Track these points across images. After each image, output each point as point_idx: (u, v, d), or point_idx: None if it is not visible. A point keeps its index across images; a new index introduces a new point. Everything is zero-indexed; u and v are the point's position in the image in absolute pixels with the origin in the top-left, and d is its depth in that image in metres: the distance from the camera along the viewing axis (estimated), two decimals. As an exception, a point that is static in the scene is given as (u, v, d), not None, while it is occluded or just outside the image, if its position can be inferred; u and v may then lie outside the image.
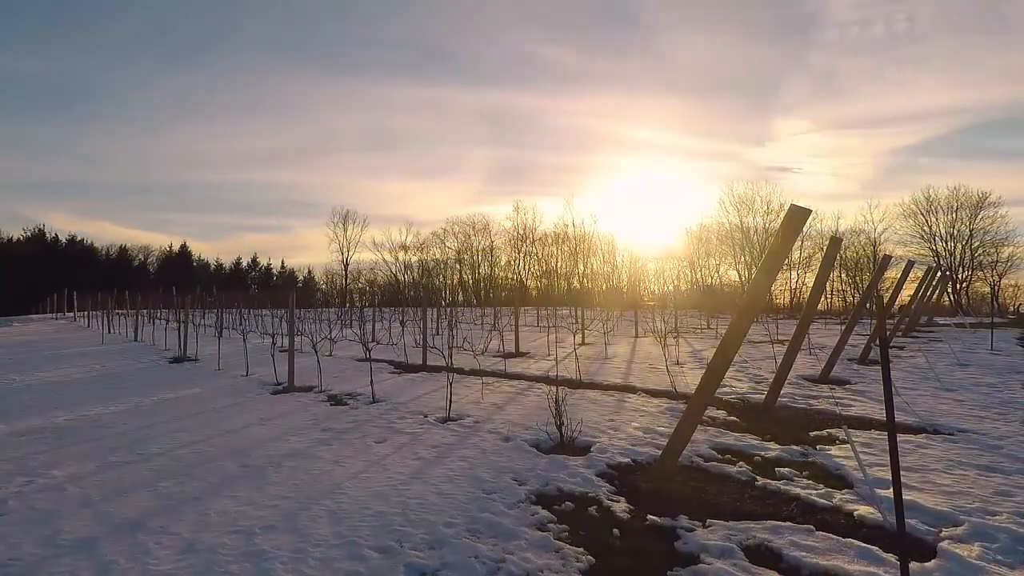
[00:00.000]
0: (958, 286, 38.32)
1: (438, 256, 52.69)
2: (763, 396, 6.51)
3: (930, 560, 2.79)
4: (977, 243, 38.67)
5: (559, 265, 48.68)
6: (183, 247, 66.60)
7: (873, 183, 58.09)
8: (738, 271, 41.33)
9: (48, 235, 58.60)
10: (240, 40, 71.42)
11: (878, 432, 5.08)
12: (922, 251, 39.00)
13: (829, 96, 60.93)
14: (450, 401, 6.03)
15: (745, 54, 60.28)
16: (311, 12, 71.45)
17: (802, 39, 60.07)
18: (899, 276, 11.37)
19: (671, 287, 26.98)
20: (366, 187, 76.81)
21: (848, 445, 4.44)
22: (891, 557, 2.80)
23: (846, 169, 61.00)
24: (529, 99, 67.30)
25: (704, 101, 64.16)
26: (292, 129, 75.81)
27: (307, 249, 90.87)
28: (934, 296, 17.48)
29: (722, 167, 64.64)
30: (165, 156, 79.22)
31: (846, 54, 58.12)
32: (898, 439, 2.59)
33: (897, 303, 13.51)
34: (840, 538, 3.02)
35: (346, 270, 54.56)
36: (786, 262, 30.26)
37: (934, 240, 39.47)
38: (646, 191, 63.64)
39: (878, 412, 5.88)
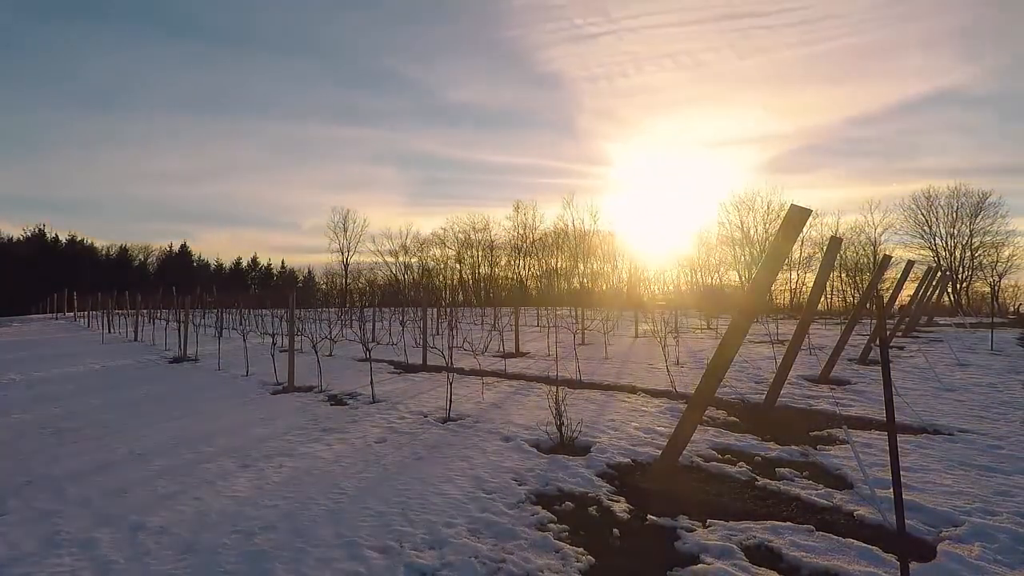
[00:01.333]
0: (958, 286, 38.33)
1: (438, 255, 52.74)
2: (763, 396, 6.51)
3: (930, 560, 2.79)
4: (977, 243, 38.73)
5: (559, 265, 48.71)
6: (183, 247, 66.66)
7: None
8: (738, 271, 41.35)
9: (48, 235, 58.67)
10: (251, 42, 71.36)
11: (878, 432, 5.08)
12: (922, 251, 39.07)
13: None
14: (450, 401, 6.03)
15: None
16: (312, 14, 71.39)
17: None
18: (899, 276, 11.38)
19: (671, 287, 26.98)
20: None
21: (848, 445, 4.44)
22: (891, 557, 2.80)
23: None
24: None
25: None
26: (292, 129, 75.83)
27: (307, 249, 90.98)
28: (934, 296, 17.47)
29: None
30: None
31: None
32: (898, 439, 2.59)
33: (897, 303, 13.51)
34: (840, 538, 3.02)
35: (346, 270, 54.60)
36: (786, 262, 30.27)
37: (934, 240, 39.53)
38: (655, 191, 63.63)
39: (878, 412, 5.87)
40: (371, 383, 7.18)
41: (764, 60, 60.28)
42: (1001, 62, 53.67)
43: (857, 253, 39.63)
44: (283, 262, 70.54)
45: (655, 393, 7.09)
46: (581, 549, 2.99)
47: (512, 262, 50.94)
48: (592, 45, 63.87)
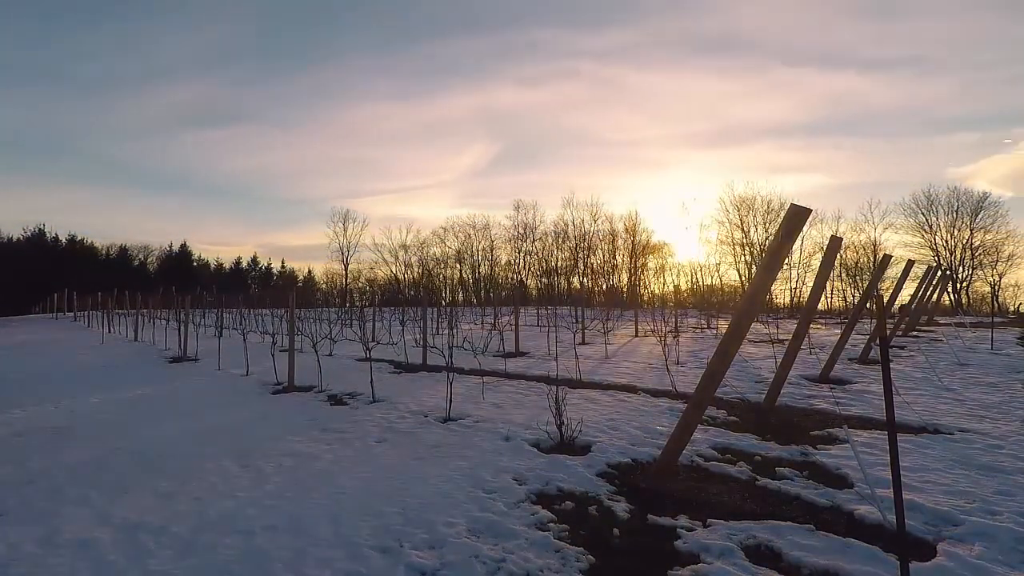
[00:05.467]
0: (958, 286, 38.33)
1: (438, 255, 52.70)
2: (763, 396, 6.51)
3: (930, 560, 2.79)
4: (977, 243, 38.74)
5: (559, 264, 48.68)
6: (183, 247, 66.67)
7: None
8: (738, 271, 41.35)
9: (48, 235, 58.69)
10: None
11: (878, 432, 5.08)
12: (922, 251, 39.07)
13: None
14: (450, 401, 6.03)
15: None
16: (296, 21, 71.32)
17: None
18: (899, 276, 11.37)
19: (671, 287, 26.98)
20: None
21: (848, 445, 4.44)
22: (891, 557, 2.80)
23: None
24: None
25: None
26: (293, 128, 75.84)
27: (307, 249, 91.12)
28: (934, 296, 17.46)
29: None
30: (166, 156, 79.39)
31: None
32: (898, 439, 2.59)
33: (897, 303, 13.50)
34: (840, 538, 3.02)
35: (346, 270, 54.58)
36: (786, 262, 30.26)
37: (934, 240, 39.54)
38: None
39: (878, 412, 5.87)
40: (371, 383, 7.18)
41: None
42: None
43: (857, 253, 39.64)
44: (283, 262, 70.67)
45: (655, 393, 7.09)
46: (581, 549, 2.99)
47: (512, 262, 50.95)
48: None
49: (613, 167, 68.90)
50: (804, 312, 6.77)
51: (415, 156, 76.26)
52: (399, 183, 76.36)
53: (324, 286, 55.43)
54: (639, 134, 65.79)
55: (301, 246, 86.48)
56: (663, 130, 65.82)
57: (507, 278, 50.49)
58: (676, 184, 65.10)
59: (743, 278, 39.88)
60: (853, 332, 9.74)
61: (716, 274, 35.45)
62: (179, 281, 36.56)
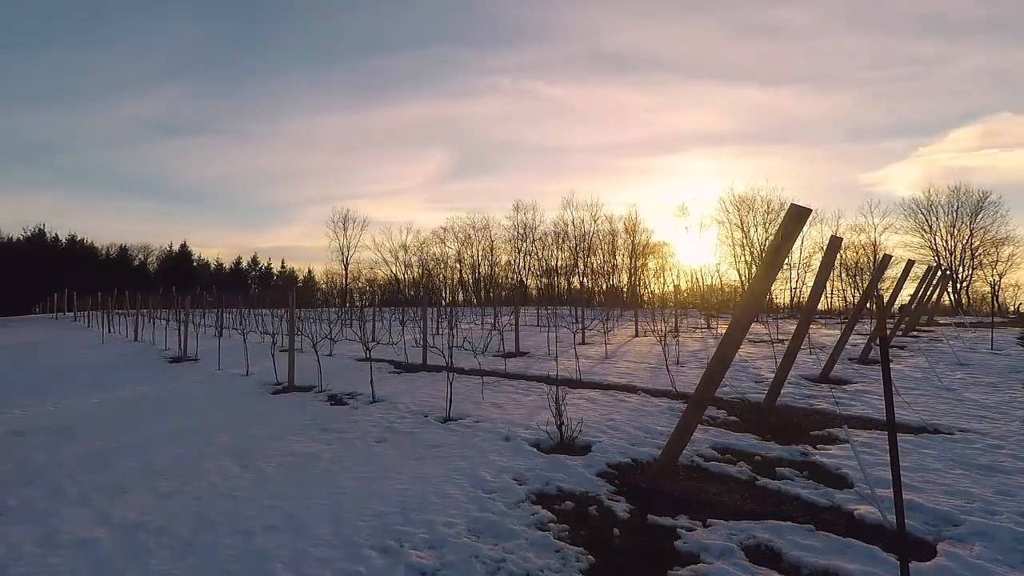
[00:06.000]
0: (958, 286, 38.33)
1: (438, 255, 52.67)
2: (763, 396, 6.51)
3: (930, 560, 2.79)
4: (977, 242, 38.74)
5: (559, 265, 48.68)
6: (183, 247, 66.62)
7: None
8: (738, 271, 41.37)
9: (48, 235, 58.66)
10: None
11: (878, 432, 5.08)
12: (922, 251, 39.07)
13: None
14: (450, 401, 6.03)
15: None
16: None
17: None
18: (899, 276, 11.37)
19: (671, 286, 26.98)
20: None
21: (848, 445, 4.44)
22: (891, 557, 2.80)
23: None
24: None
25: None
26: (292, 129, 75.93)
27: (308, 249, 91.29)
28: (935, 296, 17.46)
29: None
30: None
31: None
32: (898, 439, 2.59)
33: (897, 303, 13.50)
34: (840, 538, 3.02)
35: (346, 270, 54.57)
36: (786, 262, 30.27)
37: (934, 240, 39.54)
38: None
39: (878, 412, 5.87)
40: (371, 383, 7.18)
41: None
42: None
43: (857, 253, 39.63)
44: (283, 262, 70.59)
45: (655, 393, 7.09)
46: (581, 549, 2.99)
47: (512, 262, 50.93)
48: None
49: (547, 173, 71.47)
50: (804, 312, 6.77)
51: (381, 163, 77.69)
52: (371, 188, 77.55)
53: (324, 286, 55.44)
54: (569, 142, 69.19)
55: (301, 246, 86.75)
56: (593, 139, 69.04)
57: (507, 278, 50.48)
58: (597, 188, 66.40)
59: (743, 278, 39.88)
60: (853, 332, 9.74)
61: (716, 274, 35.44)
62: (179, 281, 36.57)
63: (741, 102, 61.70)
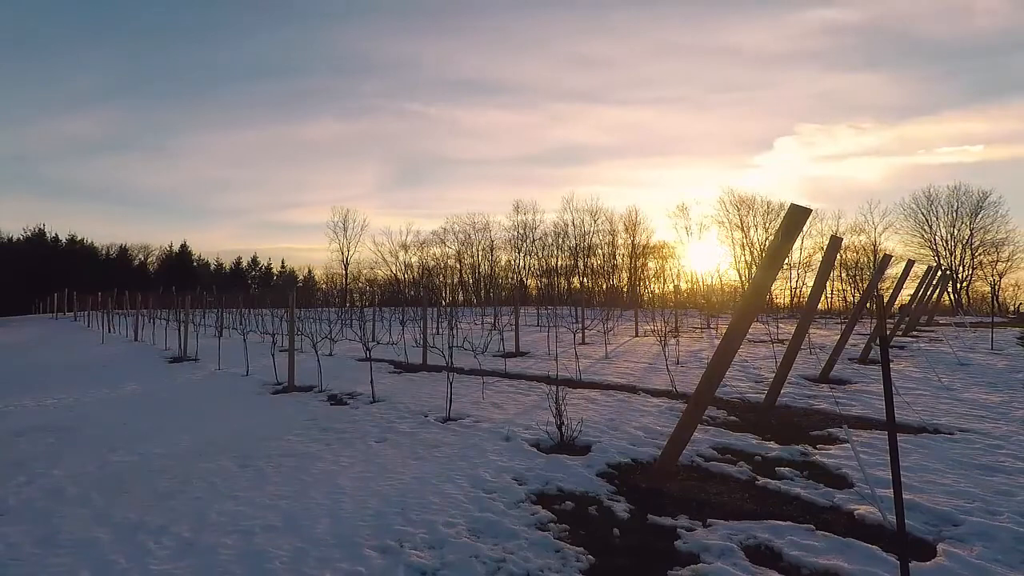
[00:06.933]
0: (958, 285, 38.33)
1: (438, 255, 52.68)
2: (763, 396, 6.51)
3: (930, 560, 2.79)
4: (977, 242, 38.74)
5: (559, 265, 48.68)
6: (183, 247, 66.61)
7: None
8: (738, 271, 41.38)
9: (48, 235, 58.65)
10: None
11: (878, 432, 5.08)
12: (922, 251, 39.08)
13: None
14: (450, 401, 6.03)
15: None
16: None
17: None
18: (899, 276, 11.37)
19: (671, 286, 27.00)
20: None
21: (848, 445, 4.44)
22: (891, 557, 2.79)
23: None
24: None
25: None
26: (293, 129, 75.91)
27: (307, 249, 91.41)
28: (934, 295, 17.45)
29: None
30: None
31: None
32: (898, 439, 2.59)
33: (897, 302, 13.50)
34: (840, 538, 3.02)
35: (346, 270, 54.57)
36: (786, 262, 30.26)
37: (934, 239, 39.55)
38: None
39: (878, 412, 5.87)
40: (371, 382, 7.18)
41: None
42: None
43: (857, 253, 39.64)
44: (283, 262, 70.59)
45: (655, 393, 7.09)
46: (581, 549, 2.99)
47: (512, 262, 50.93)
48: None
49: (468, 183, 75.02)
50: (804, 312, 6.77)
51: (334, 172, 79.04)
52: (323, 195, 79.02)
53: (324, 286, 55.43)
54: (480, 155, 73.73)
55: (301, 246, 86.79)
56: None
57: (507, 278, 50.48)
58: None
59: (743, 278, 39.88)
60: (853, 332, 9.74)
61: (716, 274, 35.43)
62: (179, 281, 36.53)
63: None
